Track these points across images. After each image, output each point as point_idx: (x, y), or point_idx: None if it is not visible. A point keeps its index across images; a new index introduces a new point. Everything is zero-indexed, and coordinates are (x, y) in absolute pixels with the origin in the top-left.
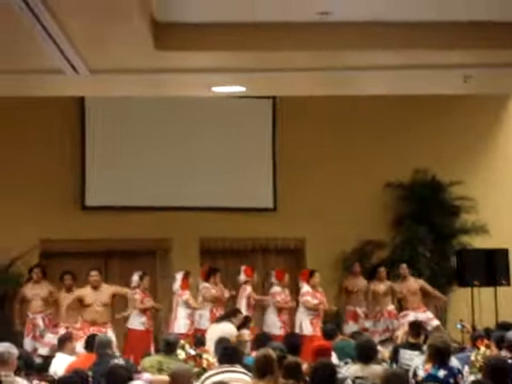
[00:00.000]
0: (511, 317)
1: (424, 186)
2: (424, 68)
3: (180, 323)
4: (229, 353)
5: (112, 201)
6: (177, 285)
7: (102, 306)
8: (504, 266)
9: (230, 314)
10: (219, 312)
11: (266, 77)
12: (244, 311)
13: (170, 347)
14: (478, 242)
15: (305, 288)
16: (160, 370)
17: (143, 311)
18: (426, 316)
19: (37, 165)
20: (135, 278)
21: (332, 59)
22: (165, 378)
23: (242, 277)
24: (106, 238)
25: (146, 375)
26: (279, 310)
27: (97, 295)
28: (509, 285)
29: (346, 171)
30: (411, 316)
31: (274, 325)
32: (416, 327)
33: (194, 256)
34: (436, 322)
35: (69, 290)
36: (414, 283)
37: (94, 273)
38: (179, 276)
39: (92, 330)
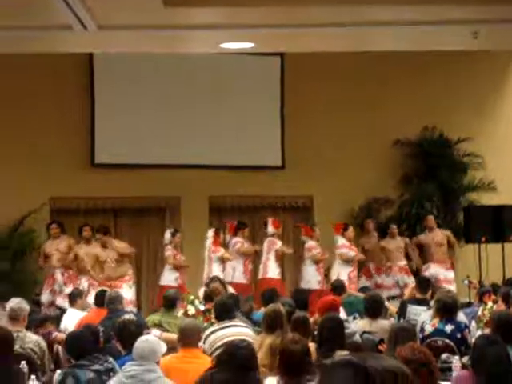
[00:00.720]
0: None
1: (432, 143)
2: (433, 24)
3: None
4: (226, 309)
5: (121, 158)
6: (209, 242)
7: (113, 262)
8: (511, 222)
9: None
10: (251, 265)
11: (275, 33)
12: (273, 264)
13: (169, 303)
14: (486, 199)
15: (340, 241)
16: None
17: (176, 268)
18: (446, 275)
19: (46, 123)
20: (167, 235)
21: (341, 15)
22: (173, 335)
23: (270, 229)
24: (115, 196)
25: (155, 331)
26: (317, 263)
27: (108, 252)
28: None
29: (354, 129)
30: (432, 269)
31: (314, 279)
32: (424, 282)
33: (202, 213)
34: (451, 287)
35: (88, 242)
36: (441, 234)
37: (98, 235)
38: (210, 233)
39: (109, 284)
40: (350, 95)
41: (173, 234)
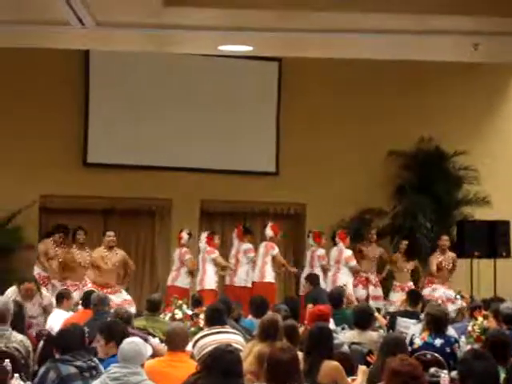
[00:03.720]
0: (509, 289)
1: (427, 155)
2: (433, 33)
3: (210, 280)
4: (217, 314)
5: (114, 158)
6: (203, 243)
7: (113, 267)
8: (505, 237)
9: None
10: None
11: (275, 37)
12: (270, 268)
13: (153, 307)
14: (480, 214)
15: (348, 252)
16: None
17: (190, 272)
18: (450, 294)
19: (40, 120)
20: (185, 236)
21: (341, 21)
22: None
23: (269, 232)
24: (106, 196)
25: (154, 340)
26: (324, 272)
27: (111, 257)
28: (509, 257)
29: (349, 138)
30: (440, 291)
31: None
32: (414, 295)
33: (193, 217)
34: (456, 306)
35: (81, 246)
36: (451, 255)
37: (110, 233)
38: (204, 235)
39: (105, 291)
40: (347, 104)
41: (190, 236)
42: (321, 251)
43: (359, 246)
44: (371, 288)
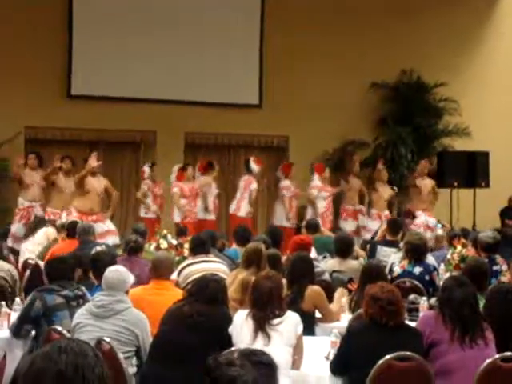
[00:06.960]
0: (488, 218)
1: (409, 87)
2: None
3: (177, 212)
4: (202, 243)
5: (98, 90)
6: (172, 177)
7: (99, 195)
8: (484, 168)
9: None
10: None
11: None
12: (246, 203)
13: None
14: (460, 145)
15: (315, 182)
16: None
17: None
18: (431, 222)
19: (23, 51)
20: (147, 169)
21: None
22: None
23: (254, 167)
24: (90, 128)
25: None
26: (289, 203)
27: (96, 183)
28: (488, 187)
29: (332, 70)
30: (422, 218)
31: (285, 217)
32: (394, 224)
33: (178, 149)
34: (440, 233)
35: (67, 174)
36: (431, 182)
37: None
38: (175, 168)
39: (90, 219)
40: (330, 37)
41: (152, 167)
42: (284, 183)
43: (343, 178)
44: (361, 218)
